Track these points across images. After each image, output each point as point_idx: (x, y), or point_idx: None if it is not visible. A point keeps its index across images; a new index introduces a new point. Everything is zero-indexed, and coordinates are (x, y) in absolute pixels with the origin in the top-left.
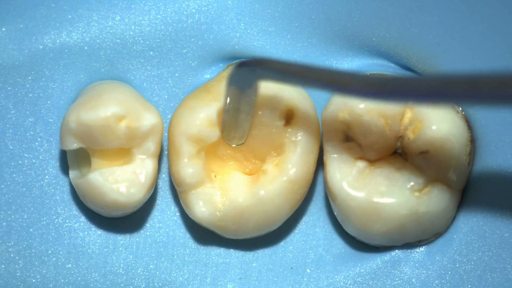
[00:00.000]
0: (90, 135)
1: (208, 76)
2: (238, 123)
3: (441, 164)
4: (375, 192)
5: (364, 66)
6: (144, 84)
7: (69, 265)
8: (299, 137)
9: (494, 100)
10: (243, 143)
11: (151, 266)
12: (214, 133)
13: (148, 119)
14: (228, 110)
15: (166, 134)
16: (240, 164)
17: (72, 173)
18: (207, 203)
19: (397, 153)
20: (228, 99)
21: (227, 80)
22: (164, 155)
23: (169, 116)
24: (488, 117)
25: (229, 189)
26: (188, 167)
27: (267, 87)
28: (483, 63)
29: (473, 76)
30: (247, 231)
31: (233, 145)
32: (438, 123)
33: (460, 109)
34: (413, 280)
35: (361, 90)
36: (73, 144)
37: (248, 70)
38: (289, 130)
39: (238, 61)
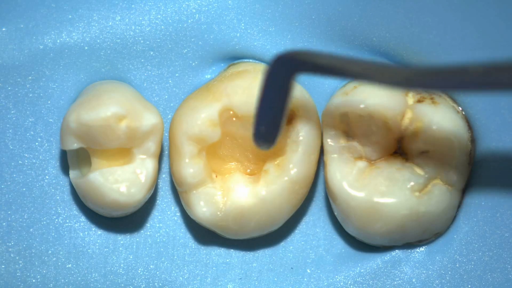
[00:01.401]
0: (91, 135)
1: (209, 76)
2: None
3: (442, 164)
4: (375, 192)
5: None
6: (145, 84)
7: (69, 265)
8: (300, 137)
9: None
10: (274, 145)
11: (151, 266)
12: (215, 133)
13: (149, 119)
14: (260, 109)
15: (166, 134)
16: (241, 164)
17: (72, 173)
18: (208, 203)
19: (397, 153)
20: (261, 96)
21: (263, 75)
22: (164, 155)
23: (170, 116)
24: (488, 117)
25: (230, 189)
26: (189, 167)
27: None
28: None
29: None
30: (248, 231)
31: (264, 150)
32: (439, 123)
33: (460, 108)
34: (413, 280)
35: (406, 81)
36: (73, 144)
37: (286, 63)
38: (290, 130)
39: (275, 55)
